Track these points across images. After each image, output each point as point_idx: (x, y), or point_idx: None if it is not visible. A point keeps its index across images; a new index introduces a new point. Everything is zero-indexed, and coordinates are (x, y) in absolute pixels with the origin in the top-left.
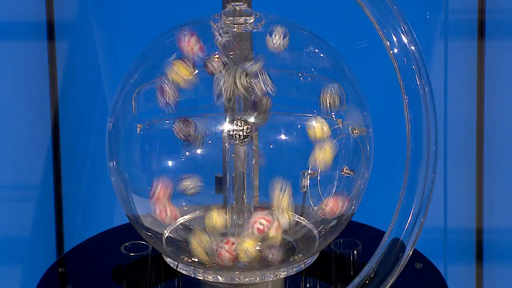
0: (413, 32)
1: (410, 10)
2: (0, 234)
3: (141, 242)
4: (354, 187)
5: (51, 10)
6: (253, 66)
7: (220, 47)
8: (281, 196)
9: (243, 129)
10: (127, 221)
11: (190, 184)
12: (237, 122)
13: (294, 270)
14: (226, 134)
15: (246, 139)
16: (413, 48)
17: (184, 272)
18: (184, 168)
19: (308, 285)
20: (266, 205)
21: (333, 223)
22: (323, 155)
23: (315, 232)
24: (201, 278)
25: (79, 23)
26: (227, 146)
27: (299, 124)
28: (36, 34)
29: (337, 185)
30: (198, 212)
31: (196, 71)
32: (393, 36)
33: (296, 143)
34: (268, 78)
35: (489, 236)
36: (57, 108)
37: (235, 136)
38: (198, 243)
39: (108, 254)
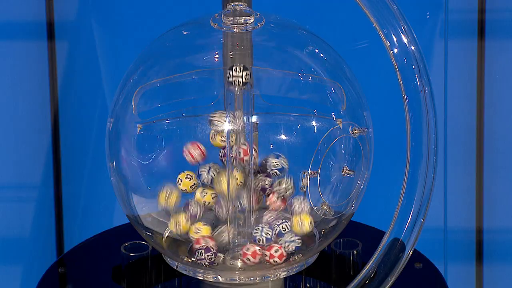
0: (413, 32)
1: (410, 10)
2: (0, 234)
3: (141, 242)
4: (354, 187)
5: (51, 10)
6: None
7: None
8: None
9: (242, 75)
10: (127, 221)
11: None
12: (235, 67)
13: (294, 270)
14: (225, 81)
15: (245, 86)
16: (413, 48)
17: (184, 272)
18: (184, 168)
19: (308, 285)
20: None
21: (333, 223)
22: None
23: (315, 232)
24: (201, 278)
25: (79, 23)
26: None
27: (299, 124)
28: (36, 34)
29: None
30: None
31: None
32: (393, 36)
33: (296, 143)
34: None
35: (489, 236)
36: (57, 108)
37: (235, 83)
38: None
39: (108, 254)
